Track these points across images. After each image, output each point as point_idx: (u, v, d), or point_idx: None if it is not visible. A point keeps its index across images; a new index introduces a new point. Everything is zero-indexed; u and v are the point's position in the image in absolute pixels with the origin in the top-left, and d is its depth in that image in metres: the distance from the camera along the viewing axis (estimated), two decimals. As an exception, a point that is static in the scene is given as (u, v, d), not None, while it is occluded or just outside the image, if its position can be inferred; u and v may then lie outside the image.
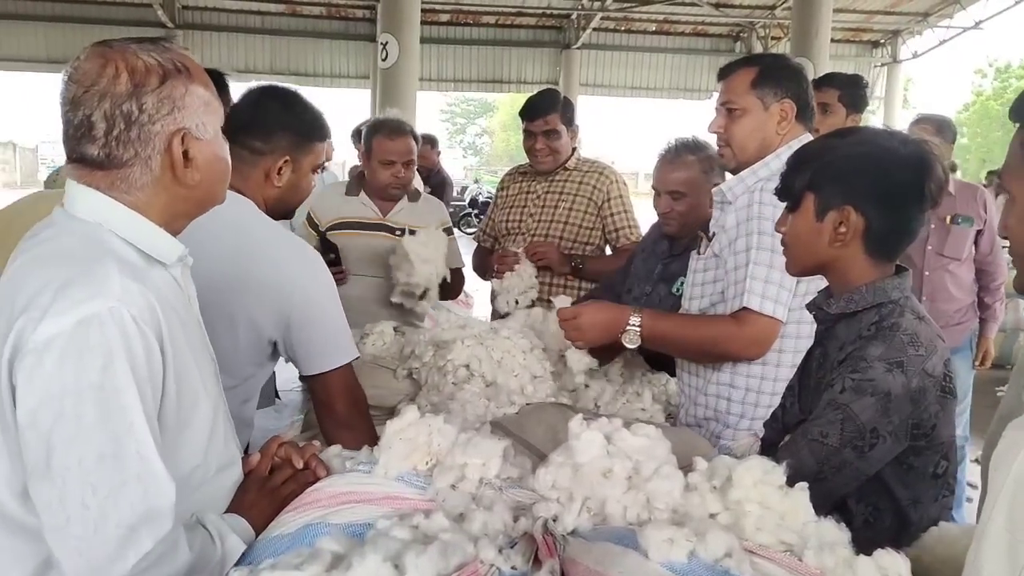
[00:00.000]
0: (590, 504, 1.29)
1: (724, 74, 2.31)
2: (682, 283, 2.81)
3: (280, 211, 2.12)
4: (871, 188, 1.62)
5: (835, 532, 1.19)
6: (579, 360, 2.37)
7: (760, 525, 1.18)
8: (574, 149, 3.54)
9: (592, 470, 1.28)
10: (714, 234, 2.35)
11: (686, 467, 1.35)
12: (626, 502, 1.26)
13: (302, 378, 2.04)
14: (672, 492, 1.24)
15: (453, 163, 38.28)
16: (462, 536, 1.20)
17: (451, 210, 8.04)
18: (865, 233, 1.63)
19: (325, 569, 1.12)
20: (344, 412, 1.97)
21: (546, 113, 3.39)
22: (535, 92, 3.60)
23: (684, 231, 2.85)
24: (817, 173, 1.66)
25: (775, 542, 1.17)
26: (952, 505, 1.74)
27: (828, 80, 3.62)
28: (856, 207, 1.62)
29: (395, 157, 3.34)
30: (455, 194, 20.91)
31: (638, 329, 2.18)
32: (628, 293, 3.00)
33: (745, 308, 2.12)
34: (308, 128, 2.07)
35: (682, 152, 2.81)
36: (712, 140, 2.43)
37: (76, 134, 1.26)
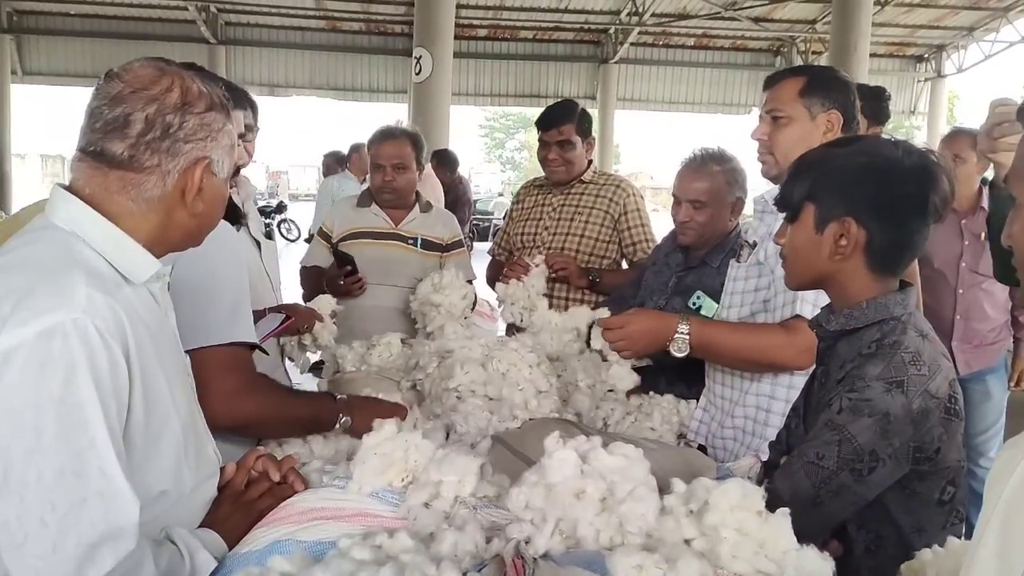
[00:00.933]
0: (563, 526, 1.23)
1: (771, 82, 2.28)
2: (699, 296, 2.76)
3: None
4: (873, 199, 1.55)
5: (817, 562, 1.12)
6: (624, 378, 2.33)
7: (736, 552, 1.12)
8: (590, 162, 3.49)
9: (565, 490, 1.23)
10: (755, 243, 2.32)
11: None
12: (598, 525, 1.20)
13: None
14: (646, 515, 1.18)
15: (491, 178, 38.33)
16: (424, 557, 1.15)
17: (485, 224, 8.03)
18: (867, 247, 1.56)
19: (271, 590, 1.08)
20: (219, 393, 1.67)
21: (560, 124, 3.36)
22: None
23: (700, 242, 2.82)
24: (817, 183, 1.59)
25: (751, 571, 1.11)
26: (961, 533, 1.65)
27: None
28: (857, 219, 1.55)
29: (383, 160, 3.36)
30: (489, 208, 21.04)
31: (687, 337, 2.14)
32: (640, 307, 2.94)
33: (797, 316, 2.07)
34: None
35: (707, 162, 2.78)
36: (744, 152, 2.38)
37: (106, 127, 1.25)
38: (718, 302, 2.52)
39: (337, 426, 1.93)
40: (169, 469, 1.29)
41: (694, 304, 2.75)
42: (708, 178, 2.75)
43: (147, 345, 1.24)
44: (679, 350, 2.15)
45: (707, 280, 2.82)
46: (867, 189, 1.54)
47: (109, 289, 1.20)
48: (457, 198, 8.40)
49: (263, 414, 1.82)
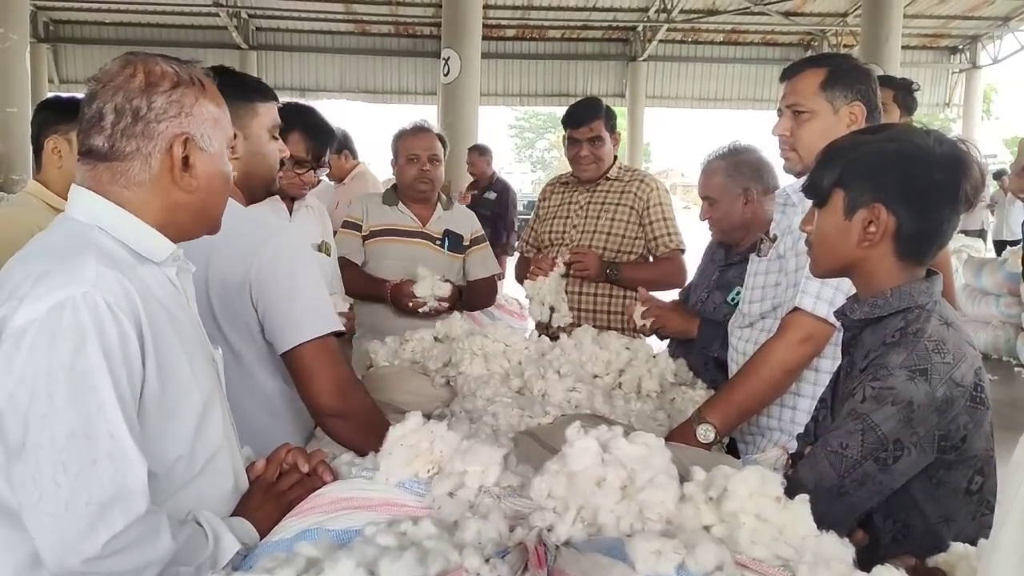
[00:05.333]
0: (584, 514, 1.24)
1: (789, 74, 2.23)
2: (738, 292, 2.76)
3: (256, 188, 2.08)
4: (903, 186, 1.54)
5: (836, 548, 1.12)
6: None
7: (755, 538, 1.13)
8: (615, 158, 3.49)
9: (586, 479, 1.24)
10: (775, 236, 2.30)
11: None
12: (619, 512, 1.21)
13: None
14: (665, 502, 1.19)
15: (522, 177, 38.33)
16: (447, 544, 1.17)
17: (519, 224, 8.17)
18: (896, 234, 1.55)
19: (297, 573, 1.11)
20: (328, 387, 1.82)
21: (591, 120, 3.37)
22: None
23: (727, 237, 2.85)
24: (847, 169, 1.58)
25: (770, 556, 1.12)
26: (992, 524, 1.64)
27: (885, 81, 3.50)
28: (887, 205, 1.54)
29: (419, 151, 3.37)
30: (521, 208, 21.06)
31: (714, 434, 2.09)
32: (686, 303, 2.96)
33: (797, 308, 2.07)
34: (248, 91, 2.04)
35: (712, 159, 2.81)
36: (769, 144, 2.37)
37: (87, 127, 1.32)
38: None
39: None
40: (186, 439, 1.33)
41: (732, 300, 2.76)
42: (712, 174, 2.79)
43: (164, 323, 1.30)
44: (707, 439, 2.09)
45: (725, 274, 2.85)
46: (897, 176, 1.54)
47: (121, 268, 1.26)
48: (505, 186, 8.61)
49: (369, 406, 1.93)
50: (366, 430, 1.81)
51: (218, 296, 1.83)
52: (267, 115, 2.09)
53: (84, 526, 1.14)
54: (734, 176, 2.76)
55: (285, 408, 1.97)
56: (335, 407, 1.84)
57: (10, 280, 1.24)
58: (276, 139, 2.12)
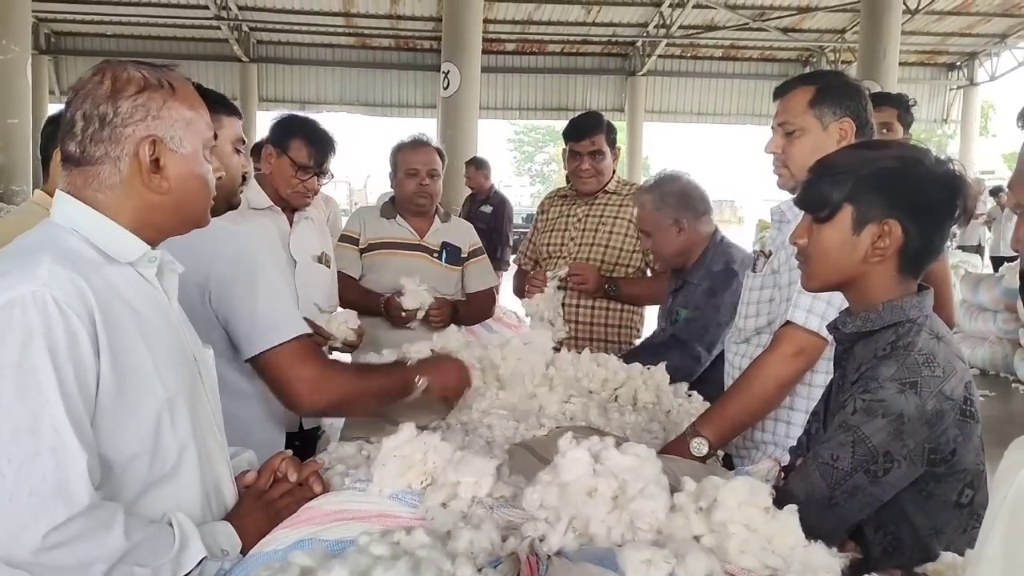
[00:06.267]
0: (576, 524, 1.26)
1: (780, 93, 2.26)
2: (678, 313, 2.95)
3: (217, 200, 2.07)
4: (916, 202, 1.56)
5: (824, 558, 1.13)
6: None
7: (744, 548, 1.14)
8: (613, 172, 3.52)
9: (577, 489, 1.26)
10: (770, 252, 2.33)
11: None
12: (610, 522, 1.22)
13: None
14: (656, 512, 1.20)
15: (521, 191, 38.37)
16: (439, 554, 1.18)
17: (516, 237, 8.24)
18: (901, 249, 1.57)
19: (290, 582, 1.12)
20: (306, 384, 1.83)
21: (593, 133, 3.41)
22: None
23: (668, 265, 3.00)
24: (858, 184, 1.58)
25: (759, 566, 1.13)
26: (983, 537, 1.65)
27: (886, 99, 3.51)
28: (899, 221, 1.56)
29: (419, 166, 3.38)
30: (520, 221, 21.12)
31: (707, 448, 2.08)
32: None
33: (789, 322, 2.09)
34: (210, 104, 2.05)
35: (640, 193, 3.02)
36: (765, 160, 2.38)
37: (63, 134, 1.37)
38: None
39: (416, 390, 2.03)
40: (146, 435, 1.33)
41: (675, 321, 2.92)
42: (640, 208, 3.00)
43: (124, 320, 1.32)
44: (700, 452, 2.08)
45: (692, 297, 2.92)
46: (909, 192, 1.56)
47: (81, 267, 1.29)
48: (503, 199, 8.72)
49: (350, 391, 1.93)
50: (359, 402, 1.94)
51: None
52: (230, 128, 2.15)
53: (27, 516, 1.16)
54: (661, 208, 2.92)
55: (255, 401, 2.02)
56: (317, 406, 1.89)
57: None
58: (238, 153, 2.17)
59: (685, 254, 2.95)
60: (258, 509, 1.47)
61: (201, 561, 1.30)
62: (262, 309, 1.85)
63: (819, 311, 2.06)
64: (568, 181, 3.78)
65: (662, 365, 2.72)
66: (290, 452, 1.66)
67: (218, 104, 2.09)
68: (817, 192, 1.64)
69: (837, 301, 2.02)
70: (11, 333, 1.20)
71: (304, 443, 2.71)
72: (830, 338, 2.05)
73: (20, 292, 1.22)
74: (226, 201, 2.16)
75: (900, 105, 3.44)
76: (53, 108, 18.22)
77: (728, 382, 2.45)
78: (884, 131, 3.20)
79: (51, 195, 2.55)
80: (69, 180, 1.38)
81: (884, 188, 1.57)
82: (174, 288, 1.49)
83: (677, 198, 2.93)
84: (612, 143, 3.47)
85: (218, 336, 1.85)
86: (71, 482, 1.19)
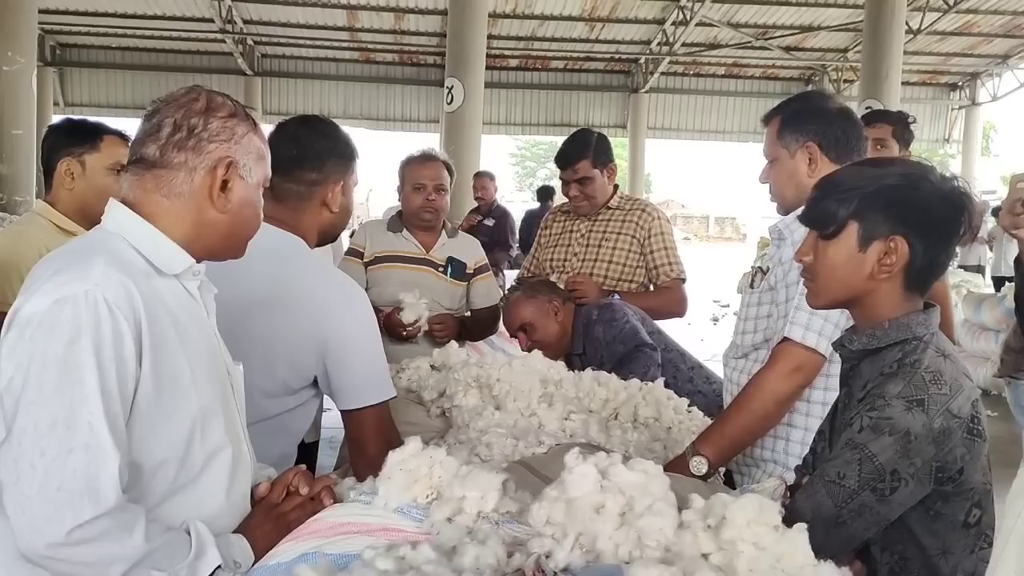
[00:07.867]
0: (583, 540, 1.25)
1: (764, 124, 2.35)
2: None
3: (331, 235, 2.19)
4: (922, 219, 1.56)
5: (834, 576, 1.12)
6: None
7: (753, 566, 1.13)
8: (616, 187, 3.52)
9: (585, 505, 1.25)
10: (767, 268, 2.34)
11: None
12: (618, 539, 1.22)
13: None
14: (664, 529, 1.19)
15: (523, 206, 38.38)
16: (445, 569, 1.17)
17: (517, 253, 8.31)
18: (907, 266, 1.57)
19: (297, 596, 1.11)
20: (374, 452, 1.93)
21: (575, 161, 3.42)
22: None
23: (555, 354, 2.99)
24: (864, 201, 1.59)
25: (768, 585, 1.12)
26: (990, 558, 1.64)
27: (883, 116, 3.53)
28: (906, 238, 1.56)
29: (426, 181, 3.36)
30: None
31: (707, 466, 2.07)
32: None
33: (786, 339, 2.09)
34: (350, 149, 2.17)
35: (512, 294, 3.30)
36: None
37: (143, 138, 1.42)
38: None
39: None
40: (178, 442, 1.37)
41: None
42: (517, 306, 3.19)
43: (168, 329, 1.36)
44: (701, 471, 2.07)
45: (589, 360, 3.03)
46: (915, 209, 1.56)
47: (131, 273, 1.33)
48: (504, 212, 8.81)
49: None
50: None
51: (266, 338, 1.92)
52: (356, 172, 2.22)
53: (52, 511, 1.18)
54: (536, 297, 3.15)
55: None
56: (379, 463, 1.91)
57: (32, 276, 1.35)
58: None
59: (565, 335, 3.13)
60: (269, 522, 1.48)
61: (215, 570, 1.31)
62: (370, 367, 2.00)
63: (816, 327, 2.06)
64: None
65: (660, 381, 2.72)
66: (303, 467, 1.66)
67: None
68: (823, 209, 1.64)
69: (834, 317, 2.03)
70: (60, 328, 1.23)
71: (302, 454, 2.71)
72: (828, 354, 2.06)
73: (73, 290, 1.25)
74: (334, 235, 2.25)
75: (897, 122, 3.44)
76: (57, 120, 18.34)
77: (727, 397, 2.45)
78: (879, 147, 3.22)
79: (54, 206, 2.59)
80: (136, 183, 1.42)
81: (890, 205, 1.57)
82: (212, 304, 1.55)
83: (546, 286, 3.25)
84: (604, 162, 3.45)
85: (283, 370, 1.97)
86: (101, 481, 1.21)
